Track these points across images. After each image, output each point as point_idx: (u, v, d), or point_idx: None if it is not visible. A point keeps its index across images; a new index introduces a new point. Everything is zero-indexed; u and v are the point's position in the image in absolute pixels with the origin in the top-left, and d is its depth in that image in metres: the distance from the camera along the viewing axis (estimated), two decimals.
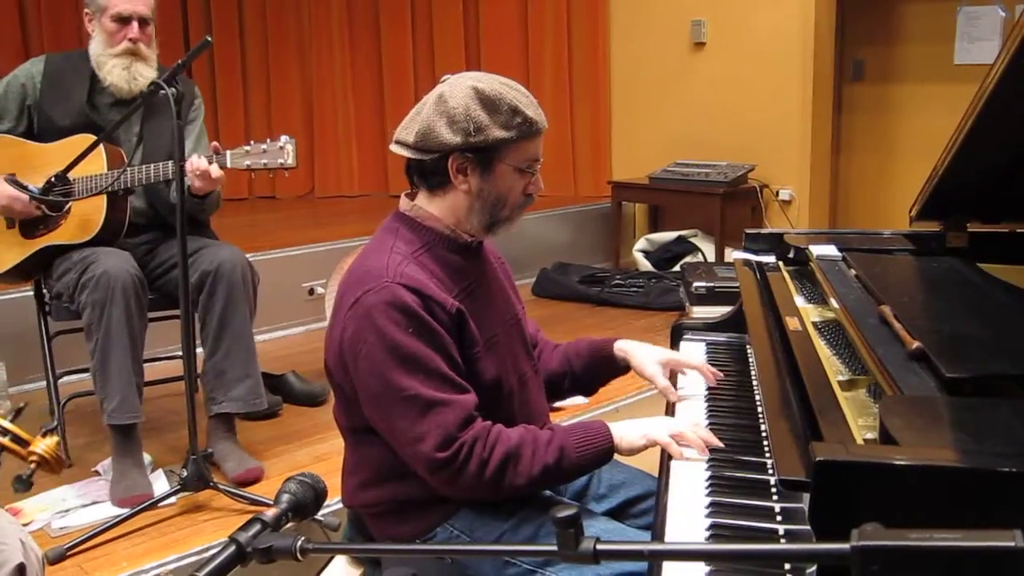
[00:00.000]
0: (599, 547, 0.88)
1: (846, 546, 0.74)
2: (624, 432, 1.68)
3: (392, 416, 1.60)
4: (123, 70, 2.99)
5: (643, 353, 1.96)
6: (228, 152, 2.84)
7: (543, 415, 1.88)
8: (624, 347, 1.97)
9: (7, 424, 1.45)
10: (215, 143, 2.89)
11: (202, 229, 3.16)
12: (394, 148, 1.72)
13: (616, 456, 1.69)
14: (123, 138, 3.05)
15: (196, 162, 2.80)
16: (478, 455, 1.58)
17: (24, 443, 1.47)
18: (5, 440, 1.45)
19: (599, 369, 2.00)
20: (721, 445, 1.63)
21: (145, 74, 3.00)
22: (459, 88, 1.65)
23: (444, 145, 1.64)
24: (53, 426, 1.53)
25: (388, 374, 1.58)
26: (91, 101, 3.03)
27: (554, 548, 0.90)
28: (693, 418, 1.79)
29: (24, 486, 1.57)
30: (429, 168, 1.68)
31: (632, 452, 1.69)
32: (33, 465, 1.48)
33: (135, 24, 2.97)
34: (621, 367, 1.99)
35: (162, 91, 2.51)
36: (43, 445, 1.48)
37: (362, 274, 1.65)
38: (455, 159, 1.66)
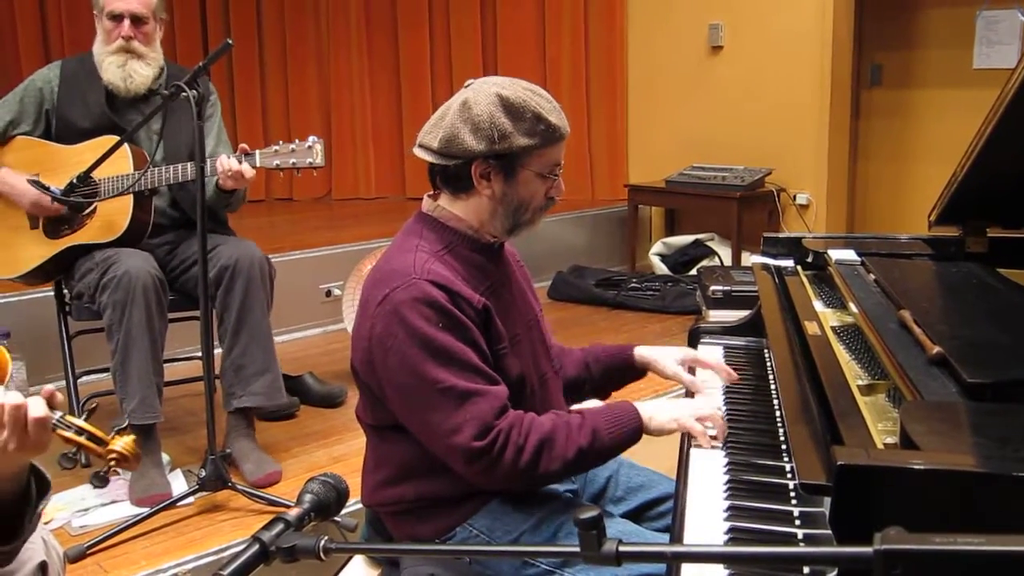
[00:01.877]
0: (621, 549, 0.89)
1: (869, 550, 0.74)
2: (654, 412, 1.70)
3: (425, 409, 1.60)
4: (118, 68, 3.03)
5: (662, 356, 1.99)
6: (258, 152, 2.87)
7: None
8: (643, 354, 2.00)
9: (84, 424, 1.46)
10: (243, 144, 2.91)
11: (222, 227, 3.19)
12: (417, 152, 1.73)
13: (645, 437, 1.71)
14: (143, 138, 3.08)
15: (227, 163, 2.83)
16: (514, 442, 1.58)
17: (102, 442, 1.48)
18: (82, 439, 1.46)
19: (618, 374, 2.02)
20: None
21: (142, 72, 3.04)
22: (483, 95, 1.65)
23: (468, 152, 1.65)
24: (124, 425, 1.54)
25: (420, 368, 1.58)
26: (110, 102, 3.06)
27: (576, 549, 0.90)
28: (714, 402, 1.83)
29: (102, 483, 1.59)
30: (453, 173, 1.69)
31: (660, 434, 1.71)
32: (112, 463, 1.49)
33: (127, 22, 3.00)
34: (640, 373, 2.02)
35: (184, 93, 2.54)
36: (121, 443, 1.49)
37: (388, 272, 1.66)
38: (479, 165, 1.67)
